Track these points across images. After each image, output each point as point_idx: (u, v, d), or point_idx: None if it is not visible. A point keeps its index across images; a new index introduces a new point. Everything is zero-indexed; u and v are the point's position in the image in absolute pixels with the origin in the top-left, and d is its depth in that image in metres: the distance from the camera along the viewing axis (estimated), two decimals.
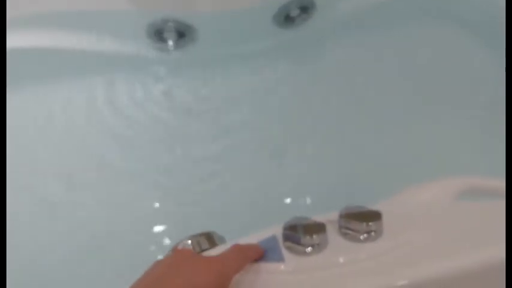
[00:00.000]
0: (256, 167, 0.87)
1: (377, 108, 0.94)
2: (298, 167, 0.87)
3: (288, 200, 0.83)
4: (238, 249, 0.40)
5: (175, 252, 0.38)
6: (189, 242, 0.45)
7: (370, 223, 0.41)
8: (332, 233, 0.42)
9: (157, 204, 0.85)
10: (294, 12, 0.96)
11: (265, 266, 0.41)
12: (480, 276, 0.43)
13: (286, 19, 0.97)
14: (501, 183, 0.52)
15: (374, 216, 0.42)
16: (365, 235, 0.41)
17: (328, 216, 0.44)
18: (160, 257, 0.39)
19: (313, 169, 0.87)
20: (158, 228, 0.82)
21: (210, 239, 0.47)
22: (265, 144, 0.90)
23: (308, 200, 0.83)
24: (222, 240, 0.47)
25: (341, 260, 0.40)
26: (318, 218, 0.44)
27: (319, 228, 0.41)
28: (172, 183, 0.86)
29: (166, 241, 0.80)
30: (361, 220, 0.41)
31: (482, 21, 0.95)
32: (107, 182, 0.87)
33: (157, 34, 0.94)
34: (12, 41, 0.86)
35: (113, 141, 0.90)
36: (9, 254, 0.64)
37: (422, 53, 0.99)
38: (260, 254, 0.41)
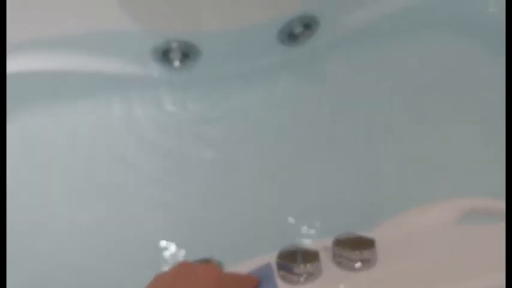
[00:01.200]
0: (259, 185, 0.87)
1: (383, 122, 0.93)
2: (301, 185, 0.87)
3: (291, 221, 0.83)
4: (249, 280, 0.42)
5: (175, 265, 0.40)
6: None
7: (363, 251, 0.41)
8: (326, 261, 0.42)
9: (158, 227, 0.85)
10: (298, 30, 0.97)
11: None
12: None
13: (289, 36, 0.97)
14: (503, 205, 0.51)
15: (367, 244, 0.41)
16: (359, 263, 0.41)
17: (323, 242, 0.44)
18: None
19: (318, 187, 0.87)
20: (161, 250, 0.83)
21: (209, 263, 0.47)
22: (269, 162, 0.90)
23: (311, 221, 0.82)
24: (221, 265, 0.48)
25: None
26: (312, 245, 0.43)
27: (312, 256, 0.41)
28: (177, 200, 0.87)
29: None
30: (354, 248, 0.41)
31: (493, 32, 0.95)
32: (113, 202, 0.88)
33: (163, 54, 0.95)
34: (16, 65, 0.88)
35: (119, 162, 0.91)
36: (13, 274, 0.66)
37: (428, 65, 0.98)
38: (255, 284, 0.41)
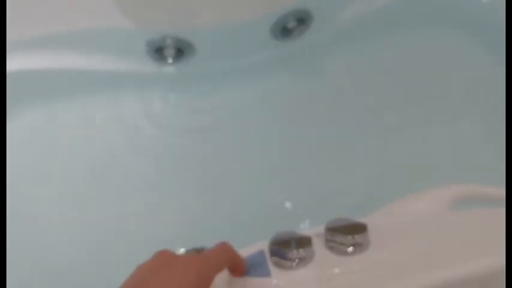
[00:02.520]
0: (255, 181, 0.87)
1: (378, 117, 0.93)
2: (298, 180, 0.87)
3: (289, 215, 0.83)
4: (222, 248, 0.41)
5: (155, 255, 0.38)
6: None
7: (355, 236, 0.41)
8: (318, 246, 0.42)
9: (158, 220, 0.85)
10: (291, 24, 0.97)
11: (252, 282, 0.41)
12: (476, 286, 0.43)
13: (283, 31, 0.97)
14: (496, 190, 0.51)
15: (359, 228, 0.41)
16: (351, 248, 0.41)
17: (315, 229, 0.44)
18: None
19: (315, 182, 0.87)
20: (166, 239, 0.83)
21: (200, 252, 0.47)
22: (264, 157, 0.90)
23: (309, 215, 0.83)
24: None
25: (327, 273, 0.40)
26: (304, 231, 0.44)
27: (304, 242, 0.41)
28: (174, 199, 0.87)
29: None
30: (346, 233, 0.41)
31: (484, 25, 0.95)
32: (112, 199, 0.88)
33: (157, 51, 0.95)
34: (14, 63, 0.88)
35: (116, 159, 0.91)
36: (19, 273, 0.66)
37: (423, 60, 0.98)
38: (242, 266, 0.41)
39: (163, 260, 0.37)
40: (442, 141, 0.90)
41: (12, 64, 0.89)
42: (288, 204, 0.85)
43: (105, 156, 0.92)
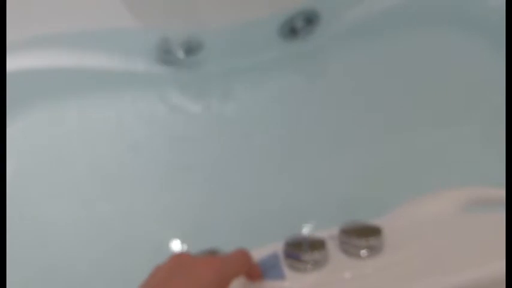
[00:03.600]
0: (263, 179, 0.87)
1: (385, 116, 0.93)
2: (305, 180, 0.87)
3: (297, 214, 0.83)
4: (241, 253, 0.41)
5: (174, 256, 0.39)
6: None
7: (369, 239, 0.41)
8: (332, 249, 0.42)
9: (167, 219, 0.86)
10: (299, 24, 0.97)
11: (266, 284, 0.41)
12: None
13: (291, 31, 0.97)
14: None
15: (374, 231, 0.42)
16: (365, 251, 0.41)
17: (329, 231, 0.44)
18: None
19: (320, 182, 0.87)
20: (170, 239, 0.83)
21: (214, 255, 0.47)
22: (272, 156, 0.90)
23: (314, 215, 0.83)
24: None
25: (341, 276, 0.40)
26: (319, 234, 0.44)
27: (319, 244, 0.41)
28: (180, 199, 0.87)
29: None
30: (361, 236, 0.41)
31: (494, 27, 0.95)
32: (117, 199, 0.88)
33: (165, 51, 0.95)
34: (16, 63, 0.88)
35: (123, 159, 0.91)
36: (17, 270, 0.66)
37: (429, 60, 0.98)
38: (258, 273, 0.41)
39: (182, 261, 0.37)
40: (445, 141, 0.90)
41: (14, 63, 0.89)
42: (296, 204, 0.85)
43: (112, 154, 0.92)
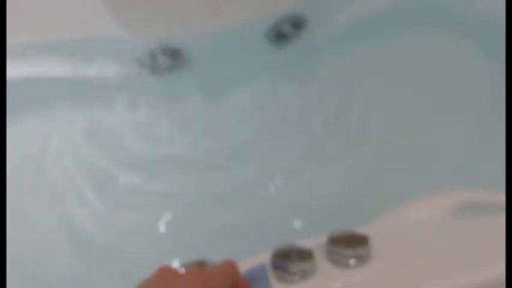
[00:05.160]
0: (255, 188, 0.87)
1: (375, 120, 0.93)
2: (297, 187, 0.87)
3: (289, 223, 0.83)
4: (227, 265, 0.40)
5: (159, 271, 0.38)
6: (182, 270, 0.45)
7: (357, 248, 0.40)
8: (320, 258, 0.41)
9: (159, 230, 0.85)
10: (286, 29, 0.97)
11: None
12: None
13: (278, 36, 0.97)
14: (498, 196, 0.51)
15: (361, 240, 0.41)
16: (353, 260, 0.41)
17: (316, 240, 0.43)
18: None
19: (313, 188, 0.86)
20: (163, 252, 0.83)
21: (203, 265, 0.47)
22: (263, 162, 0.89)
23: (306, 222, 0.82)
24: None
25: (330, 286, 0.40)
26: (306, 243, 0.43)
27: (306, 255, 0.41)
28: (174, 208, 0.86)
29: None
30: (348, 245, 0.41)
31: (482, 28, 0.95)
32: (112, 203, 0.87)
33: (151, 59, 0.95)
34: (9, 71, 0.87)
35: (112, 167, 0.90)
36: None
37: (420, 62, 0.98)
38: (245, 285, 0.41)
39: (168, 276, 0.37)
40: (435, 142, 0.90)
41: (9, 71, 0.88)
42: (289, 207, 0.84)
43: (105, 160, 0.91)
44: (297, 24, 0.97)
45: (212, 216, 0.84)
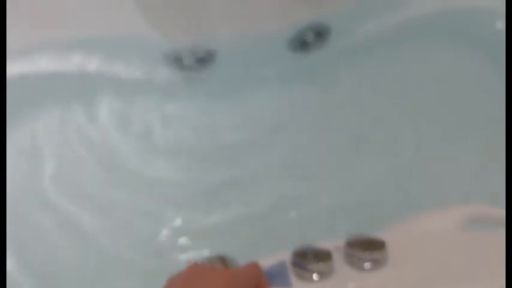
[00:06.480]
0: (273, 188, 0.89)
1: (391, 130, 0.95)
2: (313, 191, 0.89)
3: (301, 225, 0.85)
4: (252, 267, 0.43)
5: (188, 267, 0.40)
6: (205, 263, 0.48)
7: (373, 252, 0.43)
8: (338, 260, 0.44)
9: (174, 225, 0.87)
10: (309, 38, 0.99)
11: None
12: None
13: (301, 44, 0.99)
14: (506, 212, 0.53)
15: (378, 245, 0.43)
16: (369, 263, 0.43)
17: (335, 243, 0.46)
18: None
19: (329, 193, 0.88)
20: (178, 246, 0.85)
21: (224, 261, 0.49)
22: (282, 165, 0.92)
23: (319, 225, 0.85)
24: (234, 262, 0.50)
25: (345, 287, 0.42)
26: (325, 245, 0.46)
27: (325, 255, 0.43)
28: (189, 206, 0.89)
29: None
30: (365, 249, 0.43)
31: (495, 45, 0.96)
32: (118, 207, 0.89)
33: (177, 59, 0.98)
34: (30, 66, 0.91)
35: (133, 164, 0.93)
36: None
37: (436, 75, 1.00)
38: (266, 285, 0.43)
39: (197, 272, 0.39)
40: (448, 153, 0.91)
41: (27, 66, 0.92)
42: (309, 211, 0.87)
43: (120, 160, 0.93)
44: (320, 33, 0.99)
45: (229, 214, 0.87)
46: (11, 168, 0.81)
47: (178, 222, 0.87)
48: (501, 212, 0.53)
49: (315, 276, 0.43)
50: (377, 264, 0.43)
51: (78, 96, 0.96)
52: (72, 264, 0.83)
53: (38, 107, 0.95)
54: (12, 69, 0.87)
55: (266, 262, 0.46)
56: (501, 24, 0.98)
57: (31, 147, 0.92)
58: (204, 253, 0.81)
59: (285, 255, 0.45)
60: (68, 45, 0.94)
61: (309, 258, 0.43)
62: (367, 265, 0.43)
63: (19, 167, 0.89)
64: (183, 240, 0.85)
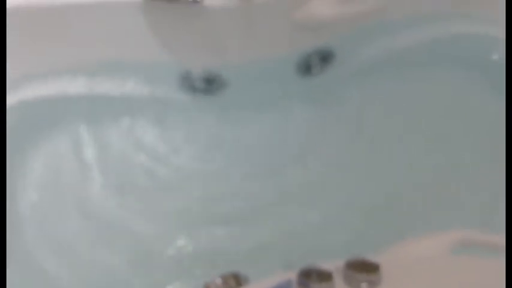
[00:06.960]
0: (278, 210, 0.94)
1: (393, 153, 1.00)
2: (321, 212, 0.93)
3: (307, 243, 0.90)
4: None
5: None
6: (219, 280, 0.54)
7: (369, 274, 0.48)
8: (338, 281, 0.49)
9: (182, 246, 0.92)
10: (315, 62, 1.04)
11: None
12: None
13: (307, 68, 1.05)
14: (497, 238, 0.58)
15: (373, 267, 0.49)
16: (365, 284, 0.49)
17: (336, 264, 0.51)
18: None
19: (336, 213, 0.93)
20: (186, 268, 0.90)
21: (237, 278, 0.55)
22: (285, 185, 0.97)
23: (323, 245, 0.89)
24: (247, 279, 0.56)
25: None
26: (327, 265, 0.51)
27: (327, 276, 0.49)
28: (197, 224, 0.94)
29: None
30: (362, 270, 0.49)
31: (493, 72, 1.01)
32: (136, 223, 0.94)
33: (187, 82, 1.03)
34: (48, 88, 0.97)
35: (146, 183, 0.98)
36: None
37: (437, 99, 1.05)
38: None
39: None
40: (450, 174, 0.95)
41: (45, 89, 0.97)
42: (311, 235, 0.91)
43: (135, 177, 0.99)
44: (325, 57, 1.04)
45: (237, 233, 0.92)
46: None
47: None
48: (491, 238, 0.58)
49: None
50: (372, 285, 0.49)
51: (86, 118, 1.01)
52: None
53: (54, 128, 1.00)
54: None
55: (275, 280, 0.51)
56: (499, 51, 1.02)
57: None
58: None
59: (291, 275, 0.51)
60: (77, 69, 0.99)
61: (312, 278, 0.49)
62: (363, 285, 0.49)
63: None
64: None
